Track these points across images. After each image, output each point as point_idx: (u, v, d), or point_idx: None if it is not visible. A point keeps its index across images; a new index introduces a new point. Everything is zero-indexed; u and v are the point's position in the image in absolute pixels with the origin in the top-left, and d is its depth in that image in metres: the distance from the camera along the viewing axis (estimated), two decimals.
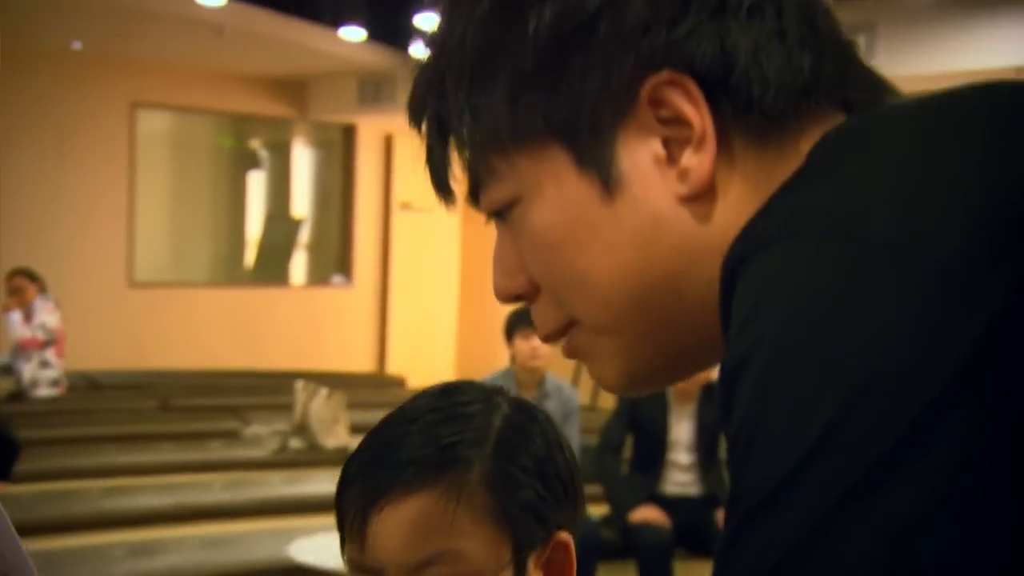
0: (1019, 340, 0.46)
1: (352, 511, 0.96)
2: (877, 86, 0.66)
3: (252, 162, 11.57)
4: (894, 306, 0.48)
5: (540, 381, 4.80)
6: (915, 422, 0.46)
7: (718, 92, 0.61)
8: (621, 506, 4.77)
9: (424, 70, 0.68)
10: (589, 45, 0.62)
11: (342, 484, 0.99)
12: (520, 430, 0.98)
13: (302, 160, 11.66)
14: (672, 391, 4.80)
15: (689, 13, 0.61)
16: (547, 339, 0.70)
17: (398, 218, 11.16)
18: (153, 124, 10.28)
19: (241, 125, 11.20)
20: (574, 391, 5.00)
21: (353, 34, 8.54)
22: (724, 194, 0.61)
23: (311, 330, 10.83)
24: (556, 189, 0.64)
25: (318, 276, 11.47)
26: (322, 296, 11.25)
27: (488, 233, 0.71)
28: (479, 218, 0.71)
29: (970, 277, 0.47)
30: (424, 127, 0.69)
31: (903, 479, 0.45)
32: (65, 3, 7.69)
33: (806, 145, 0.60)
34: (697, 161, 0.61)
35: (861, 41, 6.91)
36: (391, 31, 8.73)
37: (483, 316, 10.44)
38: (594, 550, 4.65)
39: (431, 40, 0.68)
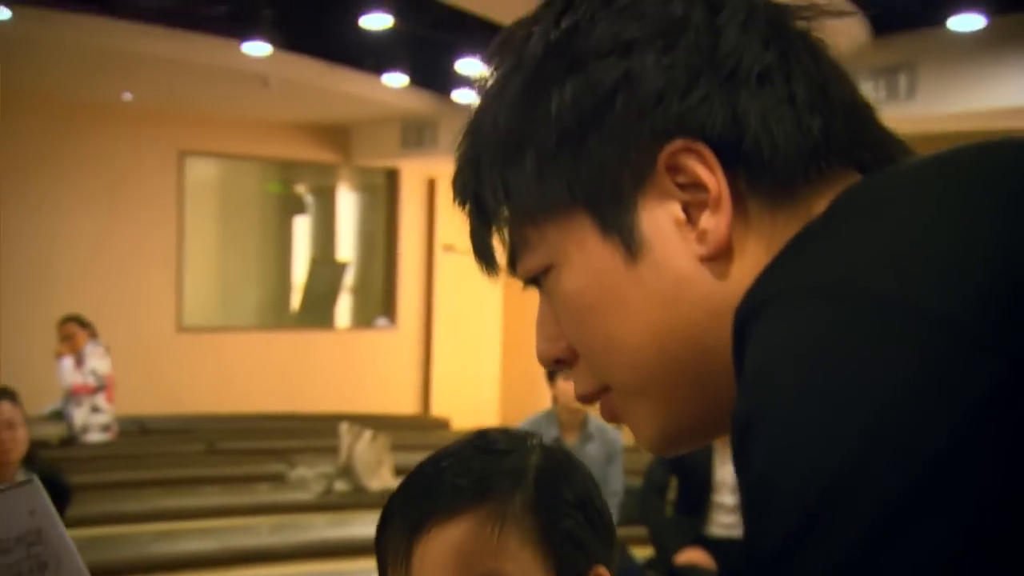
0: (1018, 403, 0.47)
1: (396, 542, 0.97)
2: (893, 147, 0.68)
3: (298, 207, 11.69)
4: (895, 370, 0.49)
5: (583, 422, 4.77)
6: (913, 488, 0.47)
7: (732, 157, 0.63)
8: (666, 549, 4.71)
9: (464, 152, 0.72)
10: (607, 118, 0.65)
11: (383, 522, 1.01)
12: (559, 467, 1.02)
13: (347, 205, 11.77)
14: None
15: (700, 83, 0.64)
16: (585, 400, 0.73)
17: (441, 261, 11.20)
18: (201, 171, 10.44)
19: (287, 171, 11.34)
20: (618, 433, 4.96)
21: (395, 80, 8.64)
22: (741, 254, 0.64)
23: (356, 373, 10.87)
24: (583, 255, 0.67)
25: (363, 319, 11.53)
26: (367, 339, 11.29)
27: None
28: None
29: (970, 341, 0.49)
30: (467, 205, 0.72)
31: (901, 545, 0.47)
32: (115, 56, 7.85)
33: (819, 206, 0.62)
34: (714, 223, 0.63)
35: (902, 80, 6.86)
36: (433, 77, 8.82)
37: (526, 357, 10.37)
38: None
39: (470, 124, 0.72)
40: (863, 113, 0.68)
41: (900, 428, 0.48)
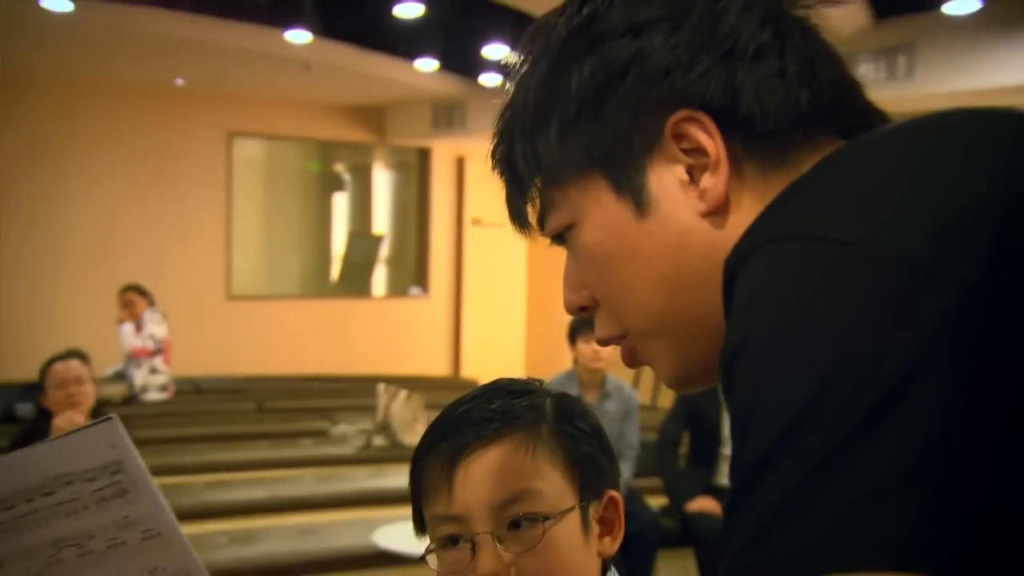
0: (969, 325, 0.50)
1: (437, 470, 1.01)
2: (875, 117, 0.71)
3: (337, 184, 11.71)
4: (856, 302, 0.52)
5: (602, 381, 4.78)
6: (876, 403, 0.49)
7: (730, 124, 0.67)
8: (679, 497, 4.73)
9: (501, 126, 0.76)
10: (620, 91, 0.69)
11: (417, 459, 1.04)
12: (572, 404, 1.08)
13: (381, 181, 11.78)
14: None
15: (702, 59, 0.68)
16: (604, 343, 0.76)
17: (470, 233, 11.21)
18: (248, 151, 10.47)
19: (326, 150, 11.35)
20: (634, 391, 4.97)
21: (427, 65, 8.61)
22: (737, 209, 0.67)
23: (391, 338, 10.92)
24: (599, 212, 0.71)
25: (397, 288, 11.56)
26: (401, 307, 11.33)
27: (552, 246, 0.78)
28: None
29: (921, 273, 0.51)
30: (503, 173, 0.76)
31: (863, 456, 0.49)
32: (169, 43, 7.87)
33: (807, 167, 0.64)
34: (713, 183, 0.67)
35: (902, 61, 6.76)
36: (462, 62, 8.79)
37: (549, 322, 10.42)
38: (654, 539, 4.62)
39: (506, 102, 0.76)
40: (850, 87, 0.71)
41: (862, 351, 0.51)
